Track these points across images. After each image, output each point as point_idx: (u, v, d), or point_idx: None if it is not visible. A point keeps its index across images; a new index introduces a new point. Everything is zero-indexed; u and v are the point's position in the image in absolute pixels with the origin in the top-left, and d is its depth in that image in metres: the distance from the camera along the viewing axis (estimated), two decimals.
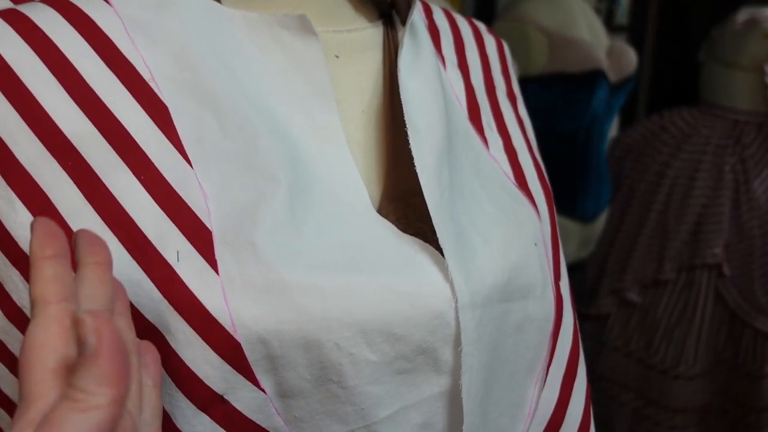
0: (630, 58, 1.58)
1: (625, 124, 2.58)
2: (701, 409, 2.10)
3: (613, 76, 1.59)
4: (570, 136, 1.59)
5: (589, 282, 2.23)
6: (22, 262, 0.31)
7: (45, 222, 0.27)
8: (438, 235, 0.34)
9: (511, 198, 0.40)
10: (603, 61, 1.52)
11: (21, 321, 0.32)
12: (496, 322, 0.36)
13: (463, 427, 0.34)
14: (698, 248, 1.94)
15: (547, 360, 0.40)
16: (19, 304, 0.32)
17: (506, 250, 0.37)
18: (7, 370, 0.33)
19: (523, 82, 1.50)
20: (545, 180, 0.45)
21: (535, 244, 0.39)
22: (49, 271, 0.25)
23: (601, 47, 1.56)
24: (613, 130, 2.57)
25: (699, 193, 1.86)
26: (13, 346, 0.33)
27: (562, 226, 1.67)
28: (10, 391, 0.34)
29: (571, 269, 1.85)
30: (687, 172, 1.86)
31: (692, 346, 2.08)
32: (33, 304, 0.25)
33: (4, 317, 0.32)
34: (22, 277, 0.31)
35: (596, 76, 1.52)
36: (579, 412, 0.42)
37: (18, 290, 0.32)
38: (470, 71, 0.46)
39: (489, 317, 0.35)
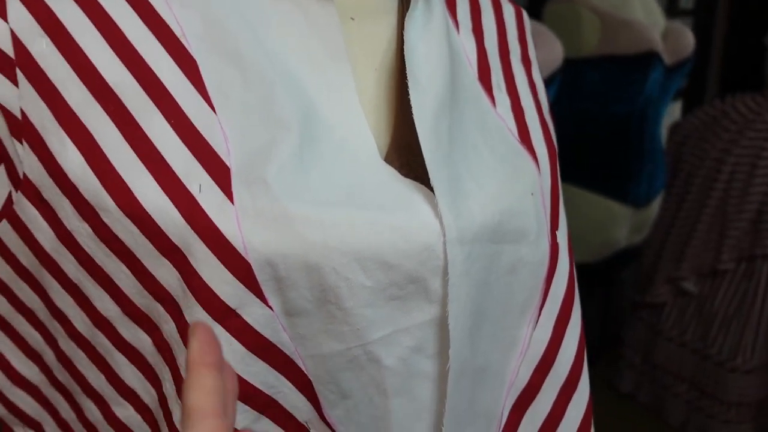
0: (687, 40, 1.55)
1: (690, 111, 2.51)
2: (758, 404, 2.04)
3: (668, 59, 1.56)
4: (623, 118, 1.57)
5: (645, 269, 2.20)
6: (72, 192, 0.37)
7: (204, 329, 0.27)
8: (430, 177, 0.37)
9: (512, 152, 0.43)
10: (658, 43, 1.50)
11: (71, 244, 0.37)
12: (486, 261, 0.39)
13: (450, 352, 0.37)
14: (759, 237, 1.88)
15: (540, 302, 0.43)
16: (69, 228, 0.37)
17: (500, 197, 0.40)
18: (58, 285, 0.39)
19: (575, 63, 1.49)
20: (551, 140, 0.47)
21: (532, 194, 0.42)
22: (209, 382, 0.25)
23: (657, 28, 1.53)
24: (676, 115, 2.51)
25: (761, 180, 1.81)
26: (66, 266, 0.38)
27: (612, 210, 1.66)
28: (62, 304, 0.39)
29: (623, 254, 1.83)
30: (748, 159, 1.80)
31: (750, 338, 2.02)
32: (189, 412, 0.25)
33: (57, 239, 0.38)
34: (71, 205, 0.37)
35: (650, 57, 1.50)
36: (571, 354, 0.44)
37: (68, 216, 0.37)
38: (485, 36, 0.48)
39: (478, 254, 0.38)
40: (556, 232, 0.44)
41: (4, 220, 0.39)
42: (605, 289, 2.48)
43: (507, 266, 0.40)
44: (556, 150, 0.48)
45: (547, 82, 1.19)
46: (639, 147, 1.63)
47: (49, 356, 0.43)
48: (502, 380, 0.42)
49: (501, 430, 0.43)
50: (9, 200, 0.39)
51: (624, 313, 2.50)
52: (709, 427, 2.04)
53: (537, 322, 0.43)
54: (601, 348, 2.54)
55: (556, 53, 1.21)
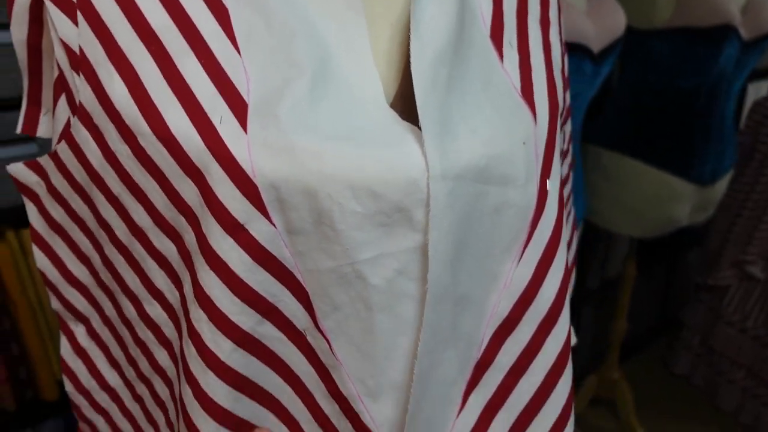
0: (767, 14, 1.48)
1: None
2: None
3: (746, 33, 1.50)
4: (690, 92, 1.52)
5: (710, 251, 2.14)
6: (116, 118, 0.43)
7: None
8: (419, 118, 0.41)
9: (511, 104, 0.46)
10: (735, 16, 1.44)
11: (114, 163, 0.44)
12: (470, 198, 0.42)
13: (428, 275, 0.41)
14: None
15: (525, 243, 0.46)
16: (113, 149, 0.43)
17: (490, 142, 0.43)
18: (104, 198, 0.45)
19: (646, 35, 1.46)
20: (556, 96, 0.50)
21: (524, 143, 0.45)
22: None
23: (735, 1, 1.48)
24: (762, 93, 2.39)
25: None
26: (110, 182, 0.45)
27: (673, 185, 1.62)
28: (106, 215, 0.46)
29: (686, 234, 1.79)
30: None
31: None
32: None
33: (103, 158, 0.44)
34: (115, 129, 0.43)
35: (725, 31, 1.44)
36: (552, 293, 0.47)
37: (112, 139, 0.43)
38: None
39: (461, 191, 0.42)
40: (547, 180, 0.47)
41: (63, 141, 0.46)
42: (668, 269, 2.43)
43: (492, 206, 0.44)
44: (560, 106, 0.50)
45: (607, 51, 1.18)
46: (706, 123, 1.58)
47: (96, 260, 0.50)
48: (483, 310, 0.46)
49: (481, 354, 0.47)
50: (68, 124, 0.46)
51: (686, 295, 2.44)
52: (764, 416, 1.99)
53: (520, 260, 0.46)
54: (660, 328, 2.51)
55: (618, 22, 1.19)
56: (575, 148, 1.32)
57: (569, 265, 0.71)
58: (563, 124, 0.61)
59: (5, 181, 1.00)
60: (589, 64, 1.15)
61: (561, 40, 0.56)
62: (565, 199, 0.68)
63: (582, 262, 1.98)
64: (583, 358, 2.17)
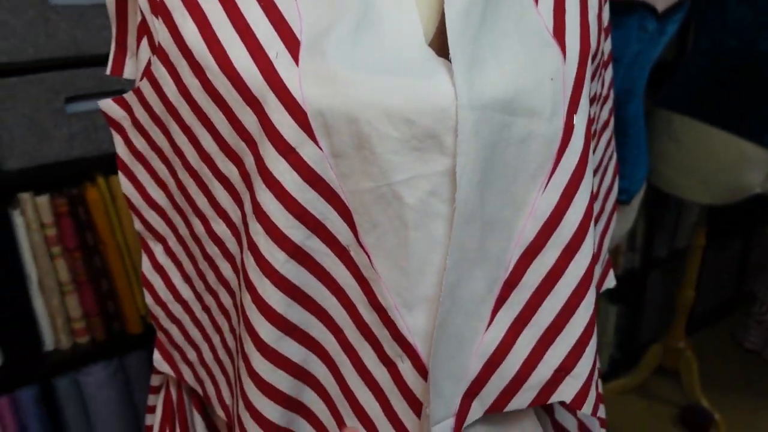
0: None
1: None
2: None
3: None
4: None
5: None
6: (188, 55, 0.49)
7: None
8: (450, 51, 0.45)
9: (541, 42, 0.49)
10: None
11: (186, 95, 0.50)
12: (497, 127, 0.46)
13: (456, 195, 0.46)
14: None
15: (550, 172, 0.50)
16: (185, 83, 0.49)
17: (518, 75, 0.47)
18: (177, 127, 0.52)
19: None
20: (588, 38, 0.52)
21: (552, 79, 0.48)
22: None
23: None
24: None
25: None
26: (182, 113, 0.51)
27: (745, 150, 1.59)
28: (179, 142, 0.52)
29: (763, 203, 1.76)
30: None
31: None
32: None
33: (177, 92, 0.50)
34: (188, 65, 0.49)
35: None
36: (576, 220, 0.50)
37: (185, 74, 0.49)
38: None
39: (488, 120, 0.45)
40: (574, 115, 0.50)
41: (145, 79, 0.53)
42: (744, 242, 2.36)
43: (518, 136, 0.48)
44: (591, 47, 0.53)
45: (673, 10, 1.17)
46: None
47: (171, 185, 0.57)
48: (511, 234, 0.50)
49: (508, 274, 0.51)
50: (149, 63, 0.53)
51: (762, 269, 2.37)
52: None
53: (546, 188, 0.50)
54: (733, 302, 2.45)
55: None
56: (638, 106, 1.31)
57: (610, 213, 0.74)
58: (602, 69, 0.64)
59: (98, 131, 1.10)
60: (653, 22, 1.14)
61: None
62: (606, 143, 0.70)
63: (650, 230, 1.96)
64: (650, 327, 2.15)
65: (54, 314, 1.16)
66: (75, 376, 1.21)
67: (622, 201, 1.35)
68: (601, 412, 0.72)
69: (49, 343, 1.18)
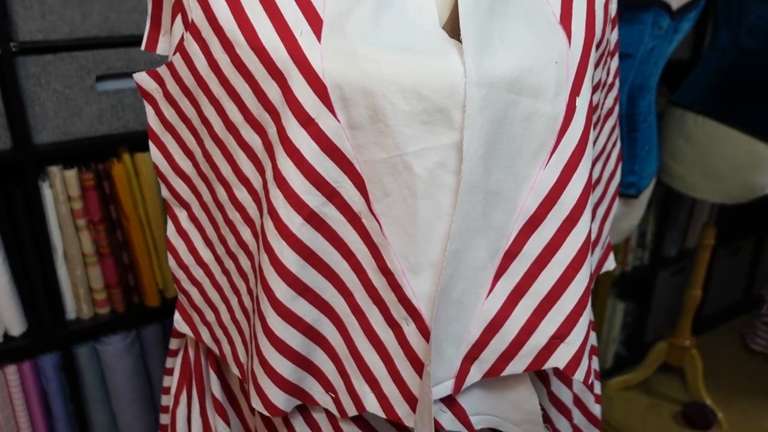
0: None
1: None
2: None
3: None
4: None
5: None
6: (219, 32, 0.53)
7: None
8: (461, 33, 0.48)
9: (549, 28, 0.52)
10: None
11: (216, 69, 0.54)
12: (503, 105, 0.50)
13: (462, 167, 0.49)
14: None
15: (552, 149, 0.53)
16: (215, 58, 0.53)
17: (524, 58, 0.50)
18: (206, 99, 0.55)
19: None
20: (593, 25, 0.56)
21: (556, 62, 0.51)
22: None
23: None
24: None
25: None
26: (212, 85, 0.55)
27: (756, 150, 1.59)
28: (208, 113, 0.56)
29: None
30: None
31: None
32: None
33: (208, 66, 0.54)
34: (218, 41, 0.53)
35: None
36: (575, 196, 0.53)
37: (215, 49, 0.53)
38: None
39: (494, 97, 0.49)
40: (577, 97, 0.53)
41: (177, 53, 0.57)
42: (756, 245, 2.37)
43: (523, 114, 0.51)
44: (596, 35, 0.56)
45: (687, 7, 1.19)
46: None
47: (198, 154, 0.61)
48: (513, 206, 0.54)
49: (509, 245, 0.54)
50: (181, 39, 0.57)
51: None
52: None
53: (547, 165, 0.53)
54: (742, 305, 2.45)
55: None
56: (650, 102, 1.33)
57: (611, 198, 0.77)
58: (608, 57, 0.67)
59: (125, 109, 1.15)
60: (667, 19, 1.17)
61: None
62: (609, 130, 0.73)
63: (660, 229, 1.98)
64: (657, 325, 2.17)
65: (77, 284, 1.21)
66: (94, 345, 1.26)
67: (631, 195, 1.38)
68: (597, 389, 0.76)
69: (71, 311, 1.23)
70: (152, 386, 1.35)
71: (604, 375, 2.06)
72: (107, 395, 1.30)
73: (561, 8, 0.54)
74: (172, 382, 0.80)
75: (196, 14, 0.54)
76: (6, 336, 1.18)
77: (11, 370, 1.18)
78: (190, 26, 0.55)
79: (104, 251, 1.21)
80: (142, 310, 1.28)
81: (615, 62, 0.70)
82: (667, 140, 1.64)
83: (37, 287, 1.16)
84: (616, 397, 2.01)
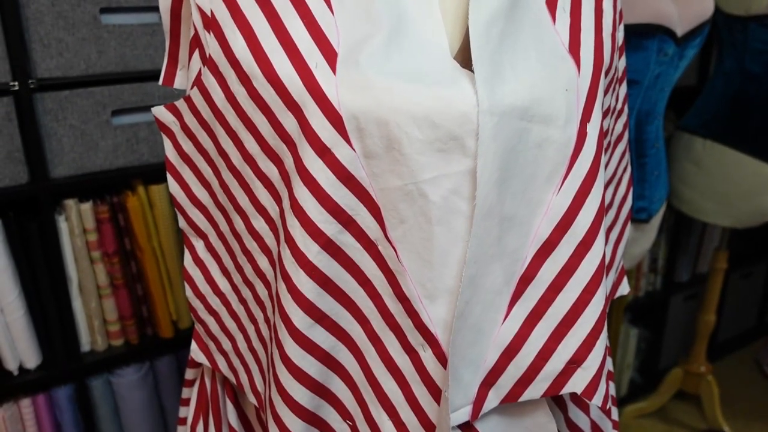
0: None
1: None
2: None
3: None
4: None
5: None
6: (236, 66, 0.54)
7: None
8: (473, 63, 0.49)
9: (558, 57, 0.54)
10: None
11: (233, 102, 0.55)
12: (515, 132, 0.50)
13: (476, 193, 0.50)
14: None
15: (564, 175, 0.54)
16: (232, 91, 0.54)
17: (534, 86, 0.51)
18: (223, 131, 0.57)
19: (745, 21, 1.46)
20: (601, 54, 0.57)
21: (566, 90, 0.52)
22: None
23: None
24: None
25: None
26: (228, 118, 0.56)
27: (765, 173, 1.59)
28: (225, 145, 0.58)
29: None
30: None
31: None
32: None
33: (225, 99, 0.55)
34: (235, 74, 0.54)
35: None
36: (588, 220, 0.54)
37: (232, 83, 0.54)
38: None
39: (506, 125, 0.50)
40: (587, 124, 0.54)
41: (195, 87, 0.59)
42: (767, 270, 2.35)
43: (534, 141, 0.52)
44: (605, 62, 0.58)
45: (692, 34, 1.21)
46: None
47: (215, 184, 0.62)
48: (528, 231, 0.54)
49: (524, 270, 0.55)
50: (199, 73, 0.58)
51: None
52: None
53: (560, 190, 0.54)
54: (756, 330, 2.43)
55: (705, 6, 1.21)
56: (657, 127, 1.34)
57: (624, 222, 0.78)
58: (617, 84, 0.68)
59: (139, 143, 1.17)
60: (672, 46, 1.18)
61: (615, 8, 0.63)
62: (620, 155, 0.74)
63: (672, 254, 1.97)
64: (671, 351, 2.15)
65: (91, 316, 1.22)
66: (108, 377, 1.26)
67: (642, 220, 1.38)
68: (614, 415, 0.75)
69: (85, 344, 1.23)
70: (165, 418, 1.35)
71: (619, 403, 2.04)
72: (121, 427, 1.30)
73: (569, 37, 0.55)
74: (188, 412, 0.80)
75: (213, 49, 0.55)
76: (21, 368, 1.18)
77: (26, 403, 1.18)
78: (207, 61, 0.56)
79: (118, 283, 1.22)
80: (156, 341, 1.29)
81: (623, 89, 0.71)
82: (676, 165, 1.64)
83: (52, 320, 1.16)
84: (632, 425, 1.99)
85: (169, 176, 0.65)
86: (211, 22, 0.55)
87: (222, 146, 0.58)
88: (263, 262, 0.59)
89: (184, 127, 0.62)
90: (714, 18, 1.48)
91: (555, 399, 0.66)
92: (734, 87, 1.55)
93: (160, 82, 0.66)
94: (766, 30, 1.48)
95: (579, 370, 0.56)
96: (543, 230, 0.54)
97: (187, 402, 0.81)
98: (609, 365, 0.71)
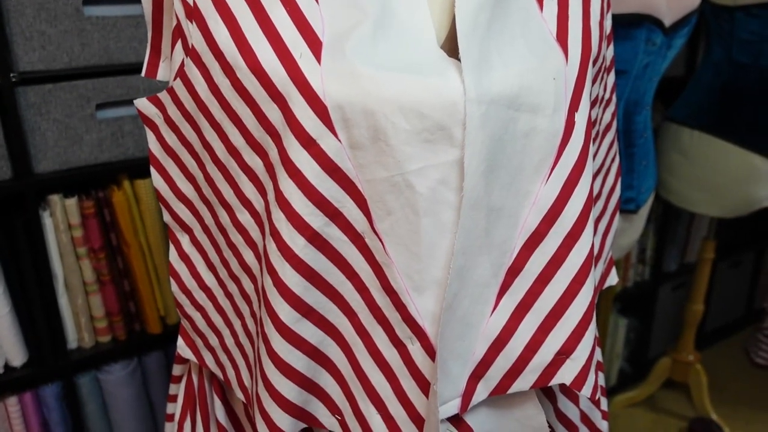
0: None
1: None
2: None
3: None
4: None
5: None
6: (219, 56, 0.53)
7: None
8: (460, 52, 0.49)
9: (545, 46, 0.53)
10: None
11: (217, 93, 0.54)
12: (502, 122, 0.50)
13: (463, 184, 0.49)
14: None
15: (552, 165, 0.53)
16: (216, 82, 0.53)
17: (522, 75, 0.51)
18: (207, 123, 0.56)
19: (732, 11, 1.46)
20: (589, 42, 0.56)
21: (554, 79, 0.52)
22: None
23: None
24: None
25: None
26: (212, 109, 0.55)
27: (753, 163, 1.60)
28: (209, 138, 0.57)
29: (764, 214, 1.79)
30: None
31: None
32: None
33: (209, 90, 0.54)
34: (219, 65, 0.53)
35: None
36: (576, 211, 0.54)
37: (216, 74, 0.53)
38: None
39: (494, 114, 0.49)
40: (575, 113, 0.54)
41: (178, 78, 0.58)
42: (756, 259, 2.37)
43: (522, 131, 0.51)
44: (593, 51, 0.57)
45: (680, 24, 1.21)
46: None
47: (199, 178, 0.61)
48: (515, 222, 0.54)
49: (512, 261, 0.55)
50: (182, 64, 0.57)
51: None
52: None
53: (548, 180, 0.54)
54: (744, 319, 2.45)
55: None
56: (645, 117, 1.34)
57: (612, 213, 0.77)
58: (605, 73, 0.67)
59: (124, 137, 1.15)
60: (660, 35, 1.18)
61: None
62: (608, 145, 0.74)
63: (660, 244, 1.98)
64: (660, 341, 2.16)
65: (78, 313, 1.20)
66: (96, 374, 1.25)
67: (630, 210, 1.38)
68: (604, 405, 0.75)
69: (72, 341, 1.22)
70: (154, 414, 1.34)
71: (608, 392, 2.05)
72: (109, 424, 1.29)
73: (557, 26, 0.55)
74: (175, 408, 0.79)
75: (196, 39, 0.54)
76: (7, 366, 1.17)
77: (12, 402, 1.17)
78: (190, 51, 0.55)
79: (105, 279, 1.20)
80: (144, 337, 1.27)
81: (612, 78, 0.70)
82: (664, 156, 1.65)
83: (38, 317, 1.15)
84: (622, 414, 2.00)
85: (153, 170, 0.64)
86: (193, 12, 0.54)
87: (206, 139, 0.58)
88: (249, 256, 0.59)
89: (168, 120, 0.61)
90: (701, 8, 1.48)
91: (544, 390, 0.66)
92: (722, 77, 1.55)
93: (143, 73, 0.65)
94: (753, 19, 1.48)
95: (568, 361, 0.56)
96: (531, 221, 0.54)
97: (174, 398, 0.80)
98: (598, 356, 0.71)
